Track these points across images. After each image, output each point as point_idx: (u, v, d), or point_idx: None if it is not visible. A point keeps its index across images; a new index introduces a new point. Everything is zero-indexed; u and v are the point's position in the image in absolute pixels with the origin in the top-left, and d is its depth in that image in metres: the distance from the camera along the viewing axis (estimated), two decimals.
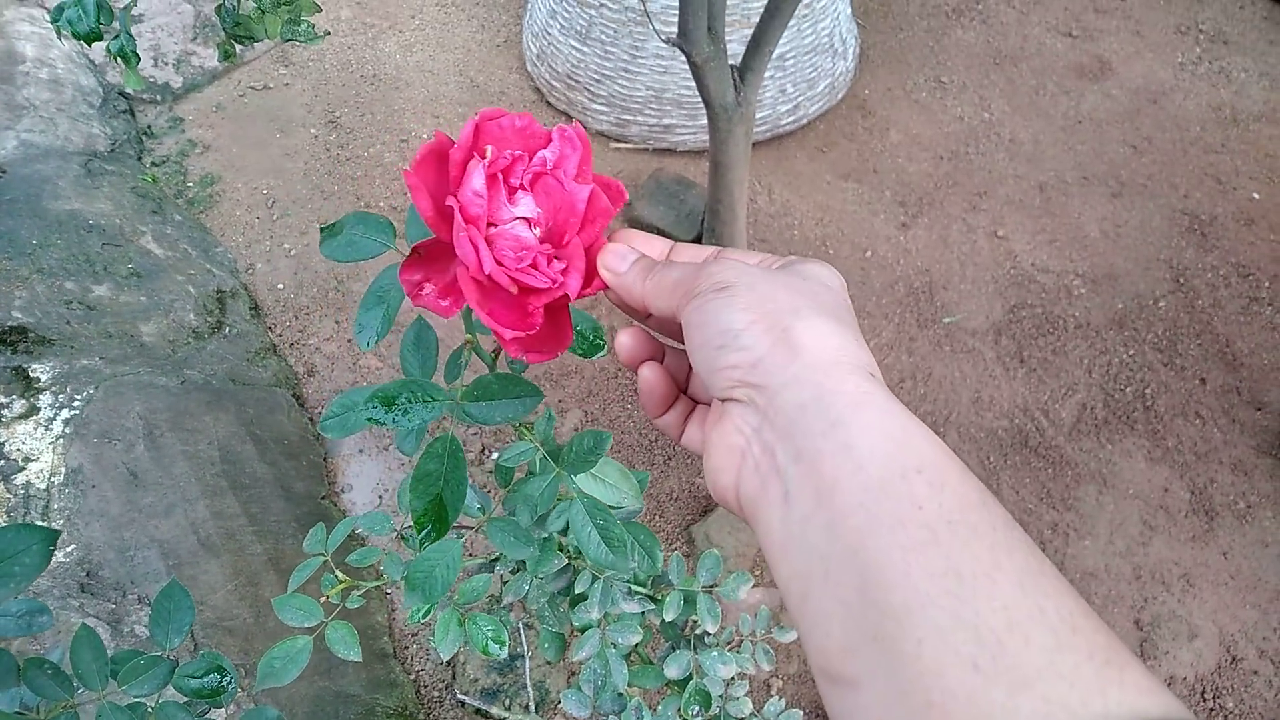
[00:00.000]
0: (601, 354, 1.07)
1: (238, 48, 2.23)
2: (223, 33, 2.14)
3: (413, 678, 2.74)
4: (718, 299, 0.53)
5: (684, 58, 2.96)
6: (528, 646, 2.23)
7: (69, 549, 2.71)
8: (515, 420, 0.99)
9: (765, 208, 3.83)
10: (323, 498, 3.10)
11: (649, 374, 0.66)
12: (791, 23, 3.88)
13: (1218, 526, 2.89)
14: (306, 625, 1.42)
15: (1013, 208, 3.80)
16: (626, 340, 0.68)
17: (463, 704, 2.62)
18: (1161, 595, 2.78)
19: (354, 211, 0.98)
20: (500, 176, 0.72)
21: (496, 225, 0.72)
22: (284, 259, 3.74)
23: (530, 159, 0.74)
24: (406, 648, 2.80)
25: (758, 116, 3.95)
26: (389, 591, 2.92)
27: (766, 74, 3.88)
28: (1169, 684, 2.62)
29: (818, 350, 0.48)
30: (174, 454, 2.99)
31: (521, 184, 0.73)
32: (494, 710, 1.72)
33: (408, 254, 0.77)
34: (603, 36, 3.94)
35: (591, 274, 0.77)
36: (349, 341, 3.49)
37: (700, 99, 3.09)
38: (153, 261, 3.56)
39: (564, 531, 1.56)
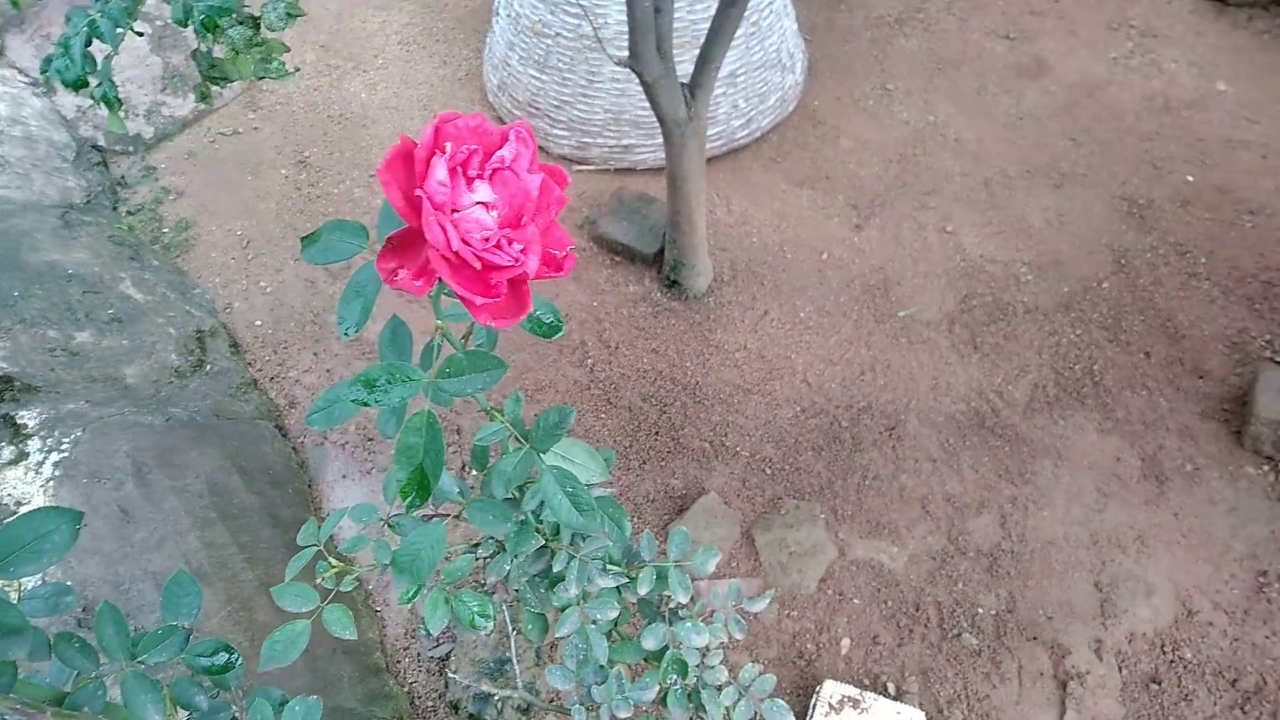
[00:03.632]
0: (560, 334, 1.21)
1: (213, 88, 2.35)
2: (199, 75, 2.27)
3: (406, 690, 2.83)
4: None
5: (637, 79, 3.11)
6: (516, 649, 2.34)
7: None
8: (486, 389, 1.12)
9: (724, 218, 3.98)
10: None
11: None
12: (740, 41, 4.04)
13: (1168, 490, 3.03)
14: (305, 610, 1.54)
15: (960, 204, 3.95)
16: None
17: (455, 706, 2.71)
18: (1119, 558, 2.90)
19: (329, 220, 1.11)
20: (460, 169, 0.86)
21: (459, 210, 0.85)
22: (260, 296, 3.85)
23: (485, 153, 0.87)
24: (399, 661, 2.89)
25: (713, 132, 4.10)
26: (379, 610, 3.01)
27: (719, 90, 4.04)
28: (1129, 640, 2.74)
29: None
30: (163, 489, 3.08)
31: (479, 174, 0.87)
32: (488, 688, 1.82)
33: (381, 246, 0.91)
34: (560, 64, 4.09)
35: (549, 257, 0.91)
36: (328, 372, 3.60)
37: (655, 117, 3.25)
38: (133, 306, 3.66)
39: (539, 514, 1.69)
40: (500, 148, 0.88)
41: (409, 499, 1.12)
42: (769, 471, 3.21)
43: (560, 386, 3.45)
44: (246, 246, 4.03)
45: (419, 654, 2.87)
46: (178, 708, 1.36)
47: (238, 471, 3.20)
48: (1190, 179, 3.93)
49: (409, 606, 3.04)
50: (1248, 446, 3.05)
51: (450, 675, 1.90)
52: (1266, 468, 3.03)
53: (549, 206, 0.91)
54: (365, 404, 1.07)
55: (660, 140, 4.09)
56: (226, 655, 1.41)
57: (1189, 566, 2.86)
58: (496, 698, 2.51)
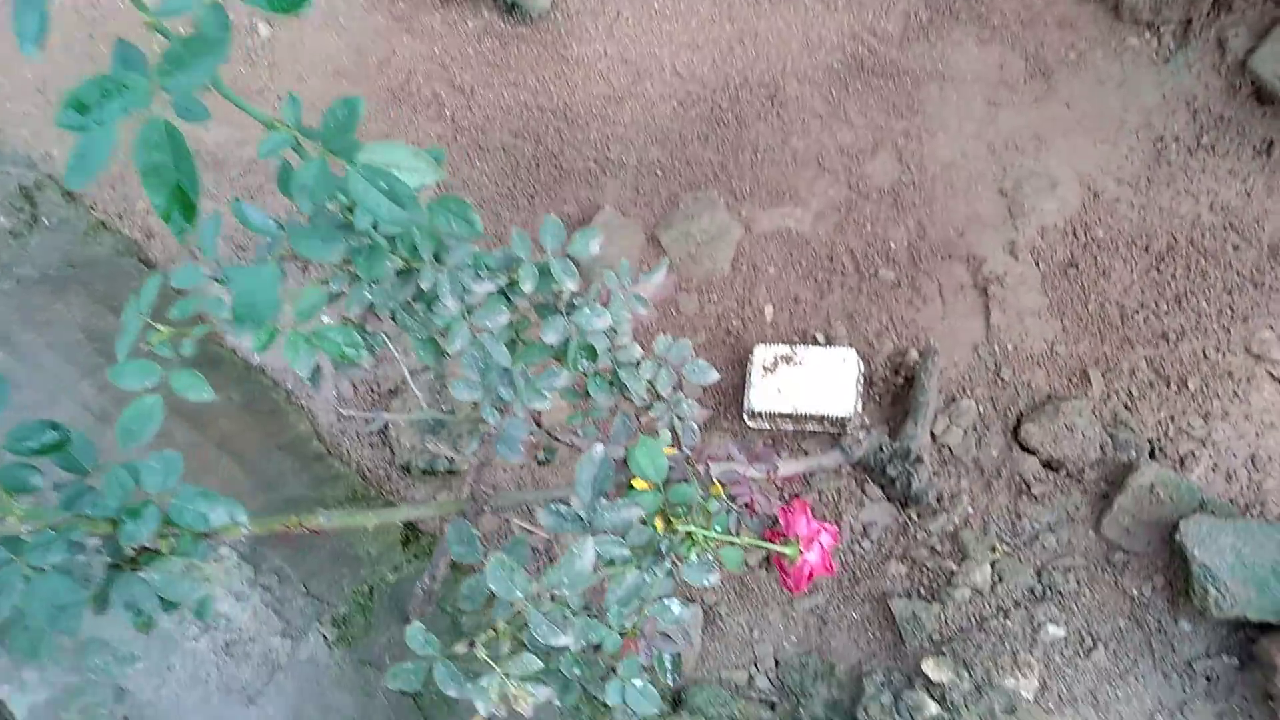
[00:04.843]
0: (303, 8, 1.00)
1: None
2: None
3: (354, 467, 2.78)
4: None
5: None
6: (409, 375, 2.27)
7: None
8: (216, 66, 0.95)
9: None
10: None
11: None
12: None
13: (1056, 82, 2.97)
14: (149, 385, 1.42)
15: None
16: None
17: (407, 468, 2.68)
18: (1018, 160, 2.87)
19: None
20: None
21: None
22: None
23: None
24: (339, 445, 2.82)
25: None
26: (303, 404, 2.91)
27: None
28: (1041, 235, 2.76)
29: None
30: (36, 348, 2.90)
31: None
32: (389, 416, 1.76)
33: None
34: None
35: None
36: None
37: None
38: None
39: (390, 238, 1.55)
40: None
41: (172, 221, 0.98)
42: (660, 173, 3.08)
43: (423, 145, 3.23)
44: (44, 89, 3.62)
45: (357, 433, 2.81)
46: (13, 495, 1.26)
47: (112, 312, 3.01)
48: None
49: (335, 400, 2.95)
50: (1126, 18, 2.97)
51: (343, 414, 1.82)
52: (1148, 34, 2.97)
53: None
54: (82, 129, 0.91)
55: None
56: (54, 433, 1.33)
57: (1087, 151, 2.85)
58: (404, 420, 2.44)
